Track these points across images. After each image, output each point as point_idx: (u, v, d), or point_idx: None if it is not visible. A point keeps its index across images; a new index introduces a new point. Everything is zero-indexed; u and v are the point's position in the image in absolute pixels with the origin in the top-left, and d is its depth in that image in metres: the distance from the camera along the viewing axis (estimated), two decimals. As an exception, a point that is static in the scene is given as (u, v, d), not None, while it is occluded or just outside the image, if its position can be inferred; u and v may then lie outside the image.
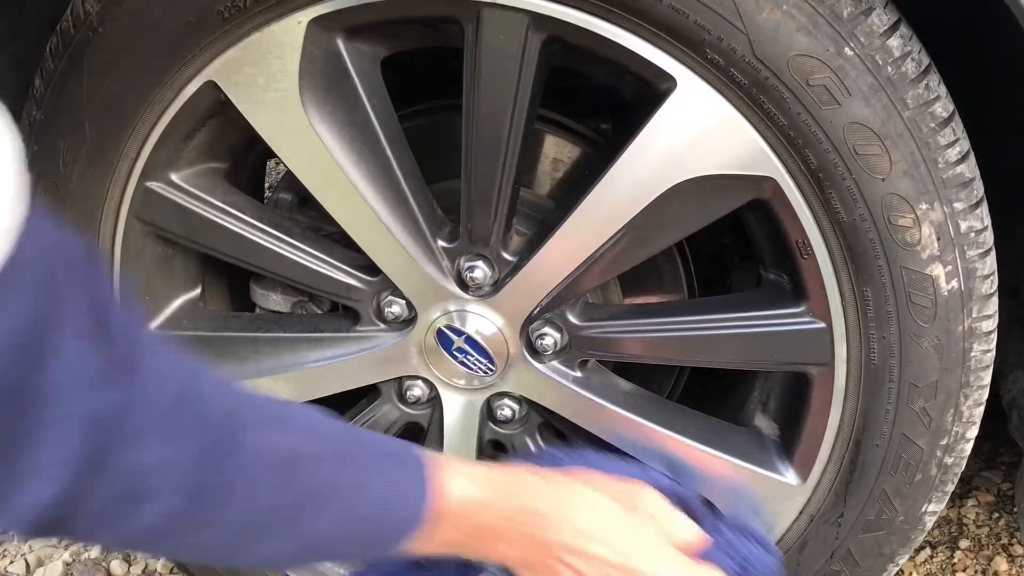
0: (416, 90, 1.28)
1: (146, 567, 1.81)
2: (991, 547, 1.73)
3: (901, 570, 1.69)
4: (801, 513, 1.17)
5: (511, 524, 0.88)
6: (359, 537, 0.81)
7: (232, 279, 1.37)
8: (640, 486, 1.01)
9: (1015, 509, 1.80)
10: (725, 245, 1.37)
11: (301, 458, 0.76)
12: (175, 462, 0.67)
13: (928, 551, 1.73)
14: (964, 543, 1.74)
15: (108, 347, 0.62)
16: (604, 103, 1.24)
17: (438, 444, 1.27)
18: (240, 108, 1.07)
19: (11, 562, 1.83)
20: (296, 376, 1.24)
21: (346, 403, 1.44)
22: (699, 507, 1.06)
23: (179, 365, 0.71)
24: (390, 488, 0.80)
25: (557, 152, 1.25)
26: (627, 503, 0.95)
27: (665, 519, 0.98)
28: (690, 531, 1.00)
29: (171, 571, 1.78)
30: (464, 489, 0.84)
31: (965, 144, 0.99)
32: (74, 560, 1.83)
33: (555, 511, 0.90)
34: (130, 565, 1.81)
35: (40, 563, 1.82)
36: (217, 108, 1.11)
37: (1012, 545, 1.73)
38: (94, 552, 1.84)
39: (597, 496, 0.94)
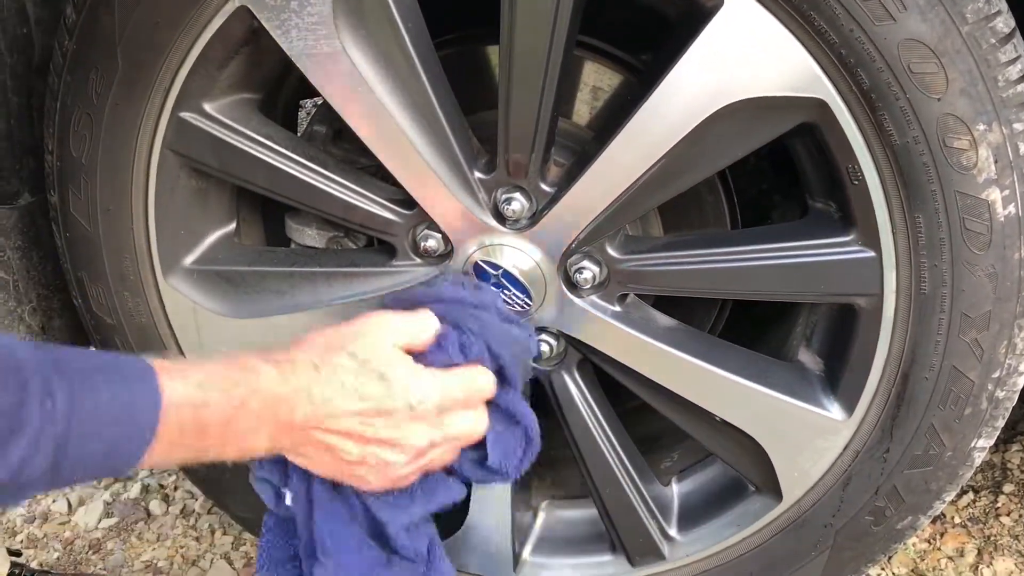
0: (453, 17, 1.24)
1: (184, 507, 1.83)
2: (1036, 492, 1.70)
3: (943, 514, 1.67)
4: (846, 448, 1.15)
5: (255, 416, 0.85)
6: (93, 456, 0.75)
7: (267, 214, 1.36)
8: (362, 320, 0.97)
9: (1061, 454, 1.77)
10: (767, 179, 1.33)
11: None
12: None
13: (971, 495, 1.70)
14: (1008, 487, 1.71)
15: None
16: (648, 28, 1.21)
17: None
18: (273, 34, 1.05)
19: (53, 500, 1.86)
20: (332, 312, 1.23)
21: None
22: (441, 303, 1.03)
23: None
24: (119, 404, 0.76)
25: (597, 80, 1.22)
26: (353, 346, 0.92)
27: (393, 334, 0.95)
28: (416, 329, 0.97)
29: (208, 510, 1.80)
30: (193, 390, 0.81)
31: (1027, 61, 0.95)
32: (114, 500, 1.85)
33: (296, 390, 0.87)
34: (169, 505, 1.84)
35: (81, 502, 1.85)
36: (250, 35, 1.09)
37: (1058, 490, 1.70)
38: (133, 492, 1.87)
39: (326, 358, 0.91)
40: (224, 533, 1.75)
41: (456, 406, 0.97)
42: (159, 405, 0.77)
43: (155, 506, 1.82)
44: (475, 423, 1.00)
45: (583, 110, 1.24)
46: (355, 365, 0.91)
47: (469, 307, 1.03)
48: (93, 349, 0.97)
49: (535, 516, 1.40)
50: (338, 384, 0.90)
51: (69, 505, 1.84)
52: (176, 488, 1.87)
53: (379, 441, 0.92)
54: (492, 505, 1.30)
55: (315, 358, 0.90)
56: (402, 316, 0.99)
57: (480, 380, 1.00)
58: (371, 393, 0.91)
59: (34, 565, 1.67)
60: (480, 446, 1.02)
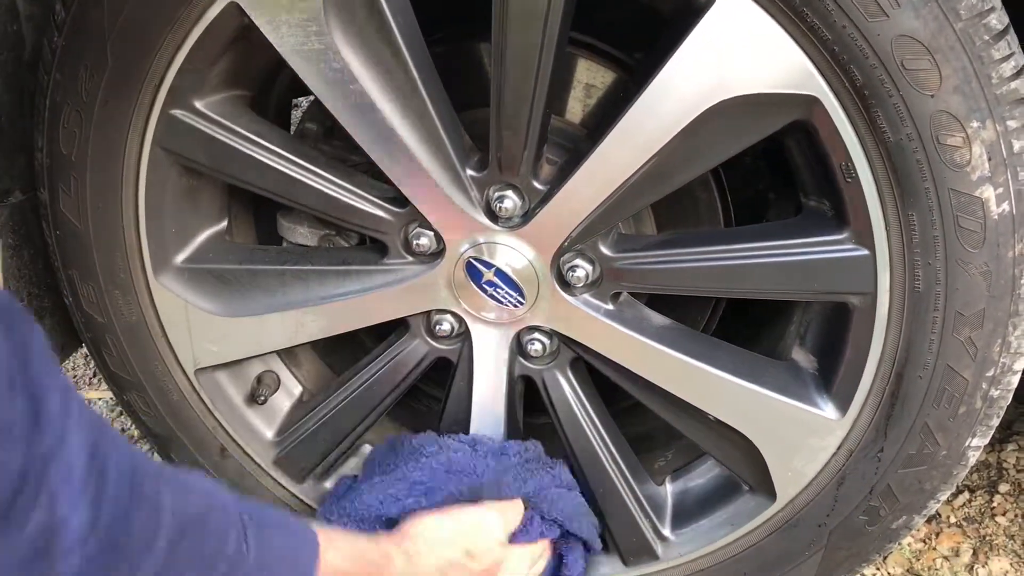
0: (445, 14, 1.24)
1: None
2: (1031, 491, 1.70)
3: (939, 514, 1.66)
4: (840, 448, 1.14)
5: None
6: None
7: (259, 212, 1.36)
8: (471, 518, 1.13)
9: (1057, 453, 1.76)
10: (762, 177, 1.33)
11: (203, 515, 0.82)
12: (85, 518, 0.68)
13: (967, 495, 1.70)
14: (1004, 487, 1.71)
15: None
16: (641, 25, 1.20)
17: (467, 379, 1.25)
18: (263, 30, 1.05)
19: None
20: (324, 310, 1.22)
21: (375, 338, 1.43)
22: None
23: (87, 419, 0.71)
24: (282, 554, 0.90)
25: (590, 77, 1.22)
26: (464, 549, 1.10)
27: (501, 537, 1.14)
28: (512, 523, 1.16)
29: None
30: (339, 558, 0.97)
31: (1021, 58, 0.94)
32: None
33: None
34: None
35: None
36: (241, 32, 1.08)
37: (1053, 489, 1.69)
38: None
39: (435, 560, 1.08)
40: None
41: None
42: (316, 556, 0.93)
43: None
44: None
45: (576, 107, 1.24)
46: (469, 564, 1.10)
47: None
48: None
49: (528, 516, 1.39)
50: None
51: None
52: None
53: None
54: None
55: (436, 557, 1.08)
56: (501, 510, 1.15)
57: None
58: None
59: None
60: None
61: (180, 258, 1.25)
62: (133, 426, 1.90)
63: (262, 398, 1.33)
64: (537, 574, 1.21)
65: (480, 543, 1.12)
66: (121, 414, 2.07)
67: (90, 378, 2.25)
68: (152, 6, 1.06)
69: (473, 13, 1.18)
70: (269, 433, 1.36)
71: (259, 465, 1.35)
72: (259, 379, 1.35)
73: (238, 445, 1.35)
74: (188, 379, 1.30)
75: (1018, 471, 1.75)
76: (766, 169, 1.32)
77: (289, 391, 1.40)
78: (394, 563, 1.05)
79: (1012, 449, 1.79)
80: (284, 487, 1.37)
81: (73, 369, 2.29)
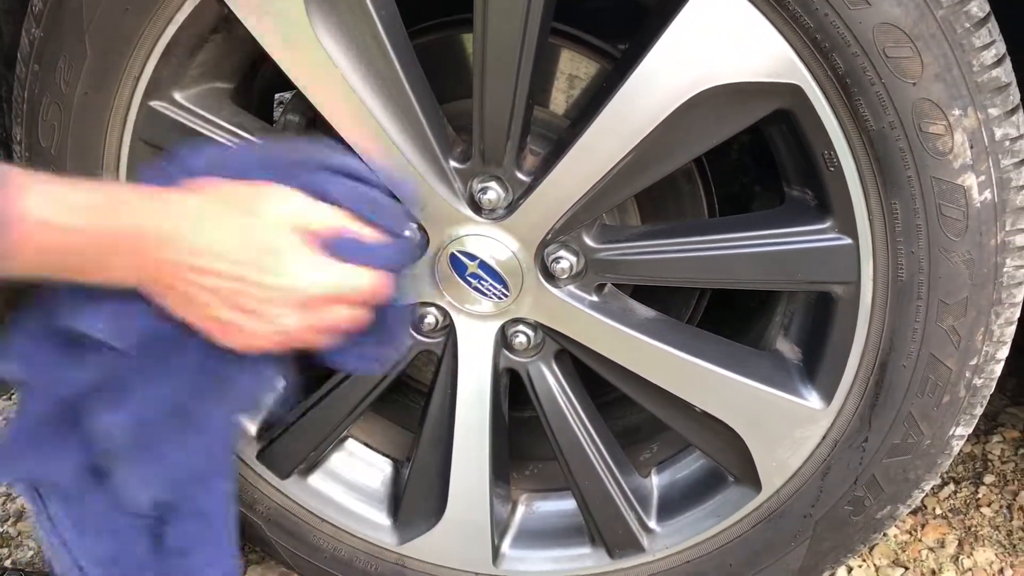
0: (428, 5, 1.23)
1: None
2: (1016, 482, 1.70)
3: (924, 505, 1.67)
4: (824, 438, 1.14)
5: (112, 247, 0.85)
6: None
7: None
8: (265, 186, 0.95)
9: (1041, 444, 1.77)
10: (746, 169, 1.33)
11: None
12: None
13: (952, 486, 1.70)
14: (989, 478, 1.71)
15: None
16: (624, 15, 1.20)
17: (452, 373, 1.24)
18: (244, 21, 1.04)
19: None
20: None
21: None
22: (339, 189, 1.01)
23: None
24: None
25: (573, 68, 1.21)
26: (248, 209, 0.92)
27: (293, 215, 0.94)
28: (317, 215, 0.96)
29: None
30: (48, 208, 0.80)
31: (1001, 47, 0.94)
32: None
33: (167, 231, 0.87)
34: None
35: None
36: (221, 23, 1.08)
37: (1038, 480, 1.70)
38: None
39: (213, 209, 0.90)
40: (202, 530, 1.73)
41: (336, 300, 0.96)
42: (9, 222, 0.77)
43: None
44: (351, 317, 0.98)
45: (560, 99, 1.23)
46: (249, 229, 0.90)
47: (364, 192, 1.02)
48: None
49: (514, 509, 1.39)
50: (226, 242, 0.89)
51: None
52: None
53: (249, 312, 0.91)
54: (471, 498, 1.29)
55: (209, 206, 0.89)
56: (308, 200, 0.96)
57: (366, 281, 0.98)
58: (257, 263, 0.90)
59: (8, 564, 1.65)
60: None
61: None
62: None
63: (246, 393, 1.32)
64: (338, 325, 0.99)
65: (268, 212, 0.92)
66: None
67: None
68: (131, -3, 1.05)
69: (456, 4, 1.18)
70: (252, 428, 1.35)
71: (243, 460, 1.35)
72: (243, 374, 1.35)
73: (222, 441, 1.34)
74: (171, 375, 1.29)
75: (1003, 462, 1.75)
76: (751, 161, 1.32)
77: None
78: (139, 208, 0.86)
79: (997, 441, 1.80)
80: (268, 482, 1.36)
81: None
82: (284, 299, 0.92)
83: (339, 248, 0.96)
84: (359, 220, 0.99)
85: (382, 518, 1.39)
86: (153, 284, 0.90)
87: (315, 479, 1.39)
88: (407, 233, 1.06)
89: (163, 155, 1.05)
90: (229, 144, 1.08)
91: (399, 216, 1.05)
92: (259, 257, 0.90)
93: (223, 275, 0.89)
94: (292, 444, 1.33)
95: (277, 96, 1.70)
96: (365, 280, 0.98)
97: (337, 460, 1.41)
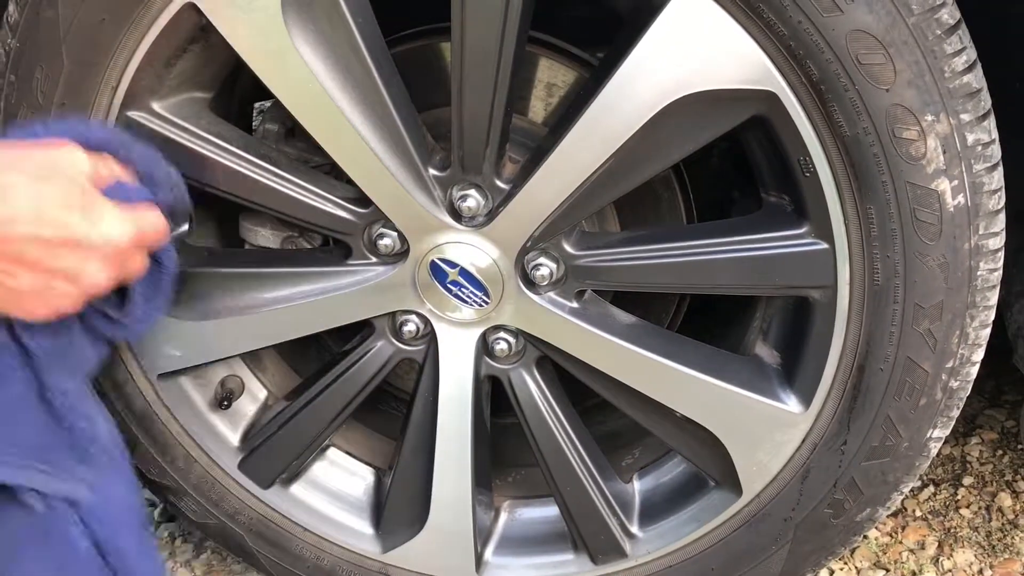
0: (406, 13, 1.24)
1: (144, 516, 1.80)
2: (995, 484, 1.72)
3: (904, 507, 1.68)
4: (804, 441, 1.15)
5: None
6: None
7: (221, 215, 1.35)
8: (51, 144, 0.93)
9: (1019, 446, 1.79)
10: (725, 173, 1.34)
11: None
12: None
13: (932, 488, 1.72)
14: (968, 480, 1.73)
15: None
16: (601, 23, 1.21)
17: (433, 380, 1.25)
18: (221, 31, 1.04)
19: None
20: (287, 311, 1.21)
21: (341, 340, 1.42)
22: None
23: None
24: None
25: (551, 76, 1.22)
26: (40, 169, 0.89)
27: (84, 166, 0.93)
28: (104, 167, 0.96)
29: (168, 518, 1.77)
30: None
31: (972, 53, 0.95)
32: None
33: None
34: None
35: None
36: (198, 32, 1.08)
37: (1016, 481, 1.72)
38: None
39: (4, 172, 0.87)
40: (184, 541, 1.72)
41: (138, 246, 0.96)
42: None
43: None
44: (143, 265, 0.99)
45: (538, 106, 1.24)
46: (48, 191, 0.88)
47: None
48: None
49: (497, 516, 1.39)
50: (27, 207, 0.86)
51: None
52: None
53: (56, 273, 0.89)
54: (453, 505, 1.29)
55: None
56: (90, 155, 0.95)
57: (157, 222, 0.99)
58: (64, 222, 0.88)
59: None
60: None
61: (141, 262, 1.23)
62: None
63: (226, 403, 1.32)
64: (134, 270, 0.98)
65: (58, 168, 0.90)
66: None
67: (54, 388, 2.22)
68: (107, 6, 1.05)
69: (434, 12, 1.18)
70: (234, 438, 1.35)
71: (224, 470, 1.34)
72: (223, 383, 1.34)
73: (203, 451, 1.34)
74: (151, 385, 1.29)
75: (981, 464, 1.77)
76: (730, 167, 1.33)
77: (254, 395, 1.39)
78: None
79: (976, 443, 1.81)
80: (250, 492, 1.36)
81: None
82: (100, 253, 0.91)
83: (122, 193, 0.96)
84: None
85: (365, 527, 1.39)
86: None
87: (297, 488, 1.38)
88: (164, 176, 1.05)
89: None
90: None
91: (154, 159, 1.04)
92: (66, 216, 0.88)
93: (27, 241, 0.86)
94: (273, 454, 1.33)
95: (256, 105, 1.70)
96: (157, 222, 0.99)
97: (319, 469, 1.41)
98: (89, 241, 0.90)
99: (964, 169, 0.97)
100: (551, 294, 1.16)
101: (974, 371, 1.09)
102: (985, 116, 0.97)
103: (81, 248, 0.90)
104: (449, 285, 1.17)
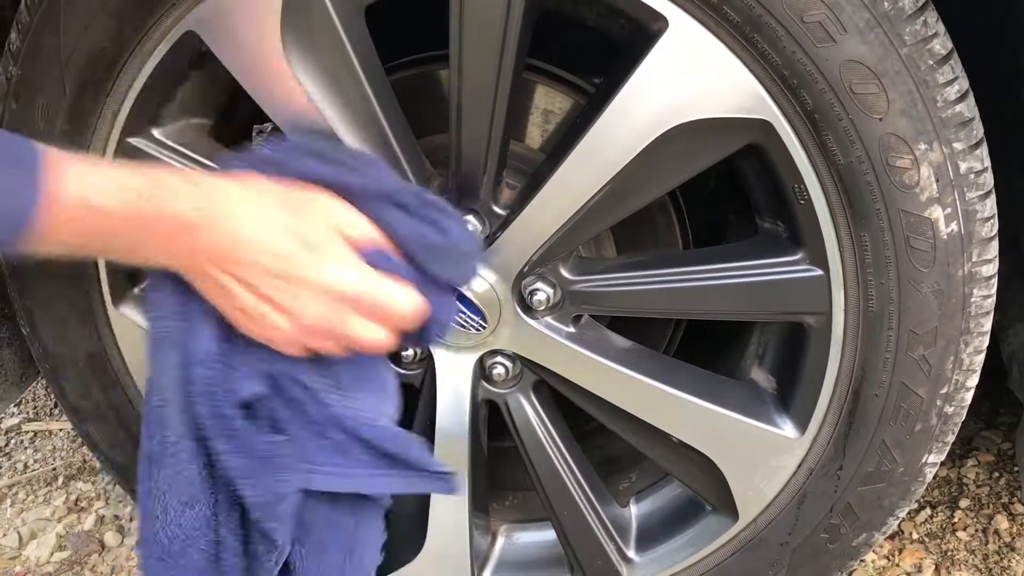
0: (403, 42, 1.25)
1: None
2: (991, 506, 1.72)
3: (901, 530, 1.68)
4: (800, 466, 1.16)
5: (150, 231, 0.83)
6: None
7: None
8: (313, 190, 0.92)
9: (1015, 468, 1.79)
10: (721, 199, 1.34)
11: None
12: None
13: (928, 511, 1.72)
14: (964, 502, 1.73)
15: None
16: (598, 52, 1.22)
17: (431, 404, 1.25)
18: (221, 59, 1.05)
19: (3, 535, 1.81)
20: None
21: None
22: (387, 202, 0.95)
23: None
24: None
25: (548, 103, 1.23)
26: (293, 207, 0.89)
27: (339, 220, 0.91)
28: (366, 229, 0.93)
29: (166, 542, 1.76)
30: (84, 190, 0.79)
31: (964, 83, 0.97)
32: (67, 532, 1.81)
33: (207, 218, 0.84)
34: (123, 536, 1.80)
35: (33, 535, 1.81)
36: (198, 60, 1.09)
37: (1013, 504, 1.72)
38: (87, 523, 1.83)
39: (257, 201, 0.88)
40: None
41: (369, 312, 0.92)
42: (35, 200, 0.76)
43: (110, 538, 1.79)
44: (377, 337, 0.94)
45: (535, 133, 1.25)
46: (289, 222, 0.87)
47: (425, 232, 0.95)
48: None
49: (494, 540, 1.39)
50: (270, 236, 0.86)
51: (20, 539, 1.80)
52: (132, 519, 1.84)
53: (275, 304, 0.88)
54: (450, 529, 1.29)
55: (254, 199, 0.87)
56: (356, 213, 0.92)
57: (405, 301, 0.94)
58: (297, 257, 0.87)
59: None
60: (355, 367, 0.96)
61: (139, 287, 1.24)
62: (93, 457, 1.87)
63: (224, 426, 1.32)
64: (365, 341, 0.93)
65: (312, 210, 0.90)
66: (81, 445, 2.04)
67: (51, 408, 2.22)
68: (108, 33, 1.06)
69: (432, 40, 1.20)
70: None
71: (221, 494, 1.34)
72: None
73: (200, 474, 1.33)
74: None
75: (978, 486, 1.77)
76: (726, 191, 1.33)
77: (251, 419, 1.39)
78: (183, 194, 0.83)
79: (972, 465, 1.81)
80: (247, 516, 1.35)
81: (33, 400, 2.26)
82: (314, 290, 0.88)
83: (380, 262, 0.92)
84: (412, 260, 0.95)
85: (361, 551, 1.38)
86: (185, 269, 0.89)
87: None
88: (462, 284, 1.01)
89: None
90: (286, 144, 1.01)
91: (458, 263, 0.98)
92: (300, 251, 0.87)
93: (262, 268, 0.87)
94: (271, 477, 1.33)
95: (256, 127, 1.71)
96: (404, 298, 0.93)
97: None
98: (309, 280, 0.88)
99: (957, 197, 0.98)
100: (548, 319, 1.17)
101: (969, 396, 1.10)
102: (978, 144, 0.98)
103: (299, 285, 0.88)
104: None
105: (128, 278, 1.23)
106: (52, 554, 1.76)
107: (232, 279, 0.87)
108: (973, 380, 1.08)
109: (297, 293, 0.88)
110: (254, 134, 1.66)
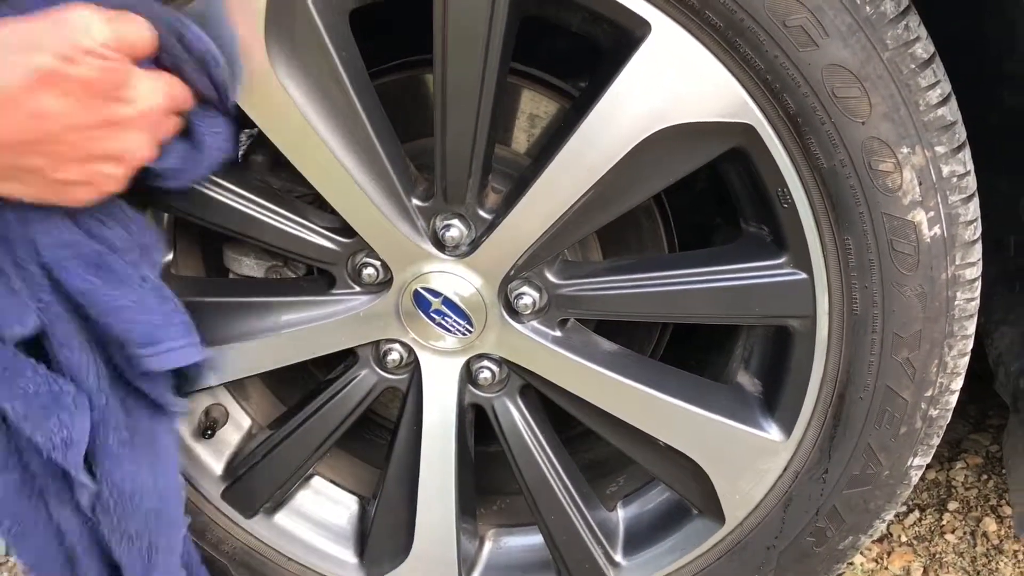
0: (388, 46, 1.25)
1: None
2: (980, 508, 1.72)
3: (890, 533, 1.68)
4: (785, 470, 1.16)
5: None
6: None
7: (205, 244, 1.35)
8: (65, 10, 0.83)
9: (1003, 471, 1.80)
10: (706, 202, 1.35)
11: None
12: None
13: (917, 514, 1.72)
14: (953, 505, 1.73)
15: None
16: (582, 60, 1.22)
17: (417, 409, 1.25)
18: (205, 63, 1.04)
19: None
20: (272, 341, 1.22)
21: (325, 369, 1.42)
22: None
23: None
24: None
25: (533, 107, 1.23)
26: (54, 48, 0.80)
27: (90, 36, 0.82)
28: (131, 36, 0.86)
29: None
30: None
31: (946, 86, 0.97)
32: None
33: None
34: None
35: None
36: (183, 65, 1.08)
37: (1001, 506, 1.72)
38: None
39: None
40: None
41: (172, 108, 0.91)
42: None
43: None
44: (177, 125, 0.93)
45: (521, 137, 1.25)
46: (65, 69, 0.80)
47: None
48: None
49: (481, 544, 1.39)
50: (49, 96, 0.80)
51: (7, 548, 1.79)
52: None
53: (100, 157, 0.85)
54: (438, 534, 1.29)
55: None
56: (112, 14, 0.85)
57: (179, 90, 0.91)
58: (92, 103, 0.83)
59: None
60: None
61: (124, 291, 1.24)
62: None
63: (210, 432, 1.32)
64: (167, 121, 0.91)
65: (77, 40, 0.80)
66: (70, 451, 2.02)
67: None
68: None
69: (416, 45, 1.19)
70: (217, 467, 1.35)
71: (207, 499, 1.34)
72: (207, 413, 1.34)
73: (186, 480, 1.33)
74: (135, 414, 1.28)
75: (966, 489, 1.77)
76: (711, 195, 1.34)
77: (238, 424, 1.39)
78: None
79: (960, 467, 1.82)
80: (233, 521, 1.35)
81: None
82: (139, 125, 0.86)
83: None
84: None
85: (349, 556, 1.38)
86: None
87: (281, 517, 1.38)
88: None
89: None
90: None
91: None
92: (98, 97, 0.83)
93: (63, 131, 0.82)
94: (257, 482, 1.33)
95: (246, 131, 1.71)
96: (175, 87, 0.91)
97: (303, 498, 1.41)
98: (126, 117, 0.85)
99: (940, 200, 0.98)
100: (534, 323, 1.17)
101: (953, 399, 1.10)
102: (960, 148, 0.98)
103: (119, 126, 0.85)
104: (432, 314, 1.17)
105: None
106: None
107: (33, 155, 0.82)
108: (958, 383, 1.09)
109: (123, 133, 0.85)
110: (243, 139, 1.66)
